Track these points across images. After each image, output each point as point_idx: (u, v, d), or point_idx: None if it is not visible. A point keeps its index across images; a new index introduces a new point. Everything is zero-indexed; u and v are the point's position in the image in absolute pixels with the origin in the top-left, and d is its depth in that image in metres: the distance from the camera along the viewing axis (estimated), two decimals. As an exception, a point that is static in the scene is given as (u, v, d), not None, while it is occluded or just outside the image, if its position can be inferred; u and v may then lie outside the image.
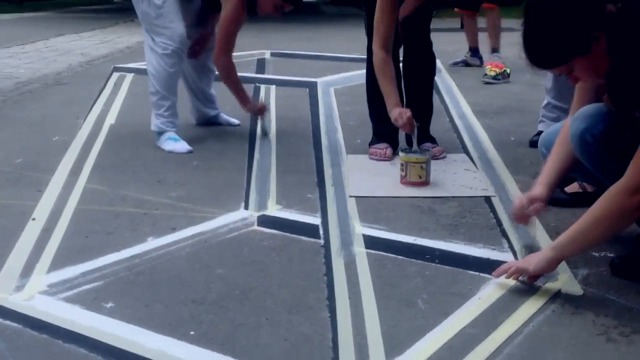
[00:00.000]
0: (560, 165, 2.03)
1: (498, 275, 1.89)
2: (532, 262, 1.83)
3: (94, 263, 2.07)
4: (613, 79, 1.67)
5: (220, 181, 2.84)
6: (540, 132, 2.88)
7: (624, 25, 1.63)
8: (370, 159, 3.09)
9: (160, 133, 3.33)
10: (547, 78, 3.24)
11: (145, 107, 3.60)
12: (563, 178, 2.09)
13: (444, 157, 3.06)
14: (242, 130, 3.67)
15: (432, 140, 3.16)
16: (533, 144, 3.07)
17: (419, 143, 2.85)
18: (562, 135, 2.03)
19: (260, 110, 3.55)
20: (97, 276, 1.99)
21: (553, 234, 2.19)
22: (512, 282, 1.88)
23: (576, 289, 1.87)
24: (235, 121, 3.78)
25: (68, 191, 2.71)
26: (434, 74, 3.23)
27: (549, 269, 1.84)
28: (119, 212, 2.50)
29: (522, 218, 2.07)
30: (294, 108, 4.21)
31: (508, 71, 5.18)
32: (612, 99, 1.72)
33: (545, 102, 3.25)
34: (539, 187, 2.03)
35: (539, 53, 1.80)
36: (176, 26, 3.21)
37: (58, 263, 2.08)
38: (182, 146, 3.27)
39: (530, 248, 2.09)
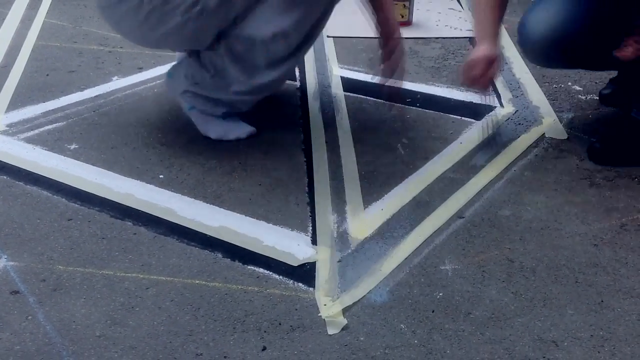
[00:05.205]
0: (498, 13, 1.76)
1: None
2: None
3: (56, 103, 1.96)
4: None
5: (190, 18, 2.67)
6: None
7: None
8: None
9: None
10: None
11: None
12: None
13: None
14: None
15: None
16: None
17: None
18: None
19: None
20: (60, 116, 1.89)
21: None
22: (489, 130, 1.83)
23: (561, 132, 1.81)
24: None
25: (26, 26, 2.53)
26: None
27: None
28: (81, 50, 2.34)
29: (485, 83, 1.75)
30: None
31: None
32: None
33: None
34: (486, 43, 1.71)
35: None
36: None
37: (17, 102, 1.96)
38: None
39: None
